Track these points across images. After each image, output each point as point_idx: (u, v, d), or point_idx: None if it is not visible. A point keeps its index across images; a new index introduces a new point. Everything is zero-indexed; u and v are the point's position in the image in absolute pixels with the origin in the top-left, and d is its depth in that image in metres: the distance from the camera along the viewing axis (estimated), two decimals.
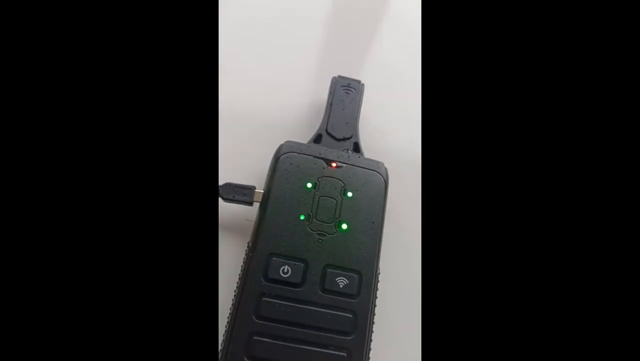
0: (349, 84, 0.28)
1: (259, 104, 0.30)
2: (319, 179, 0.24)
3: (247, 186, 0.24)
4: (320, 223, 0.22)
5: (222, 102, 0.29)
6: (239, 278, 0.21)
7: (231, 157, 0.27)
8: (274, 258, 0.21)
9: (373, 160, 0.25)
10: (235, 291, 0.21)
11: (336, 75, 0.29)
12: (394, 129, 0.30)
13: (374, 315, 0.22)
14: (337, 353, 0.20)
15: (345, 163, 0.24)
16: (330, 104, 0.27)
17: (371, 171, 0.24)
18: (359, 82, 0.28)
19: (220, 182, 0.24)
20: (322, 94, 0.29)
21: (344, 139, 0.26)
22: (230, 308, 0.21)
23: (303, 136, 0.27)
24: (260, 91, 0.30)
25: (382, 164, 0.25)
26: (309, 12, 0.35)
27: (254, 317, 0.20)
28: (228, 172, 0.26)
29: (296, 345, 0.20)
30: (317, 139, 0.26)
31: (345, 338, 0.20)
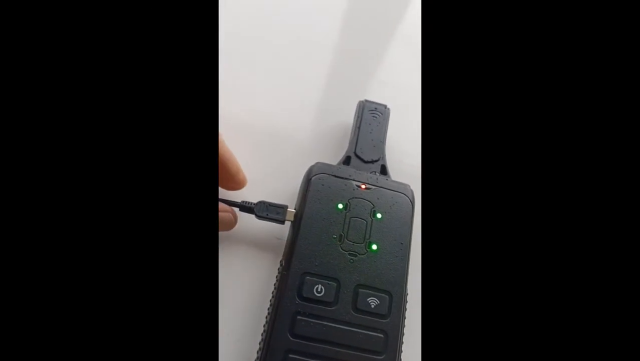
0: (375, 108, 0.29)
1: (287, 125, 0.31)
2: (350, 200, 0.24)
3: (281, 205, 0.24)
4: (351, 243, 0.23)
5: (252, 124, 0.30)
6: (272, 296, 0.22)
7: (260, 176, 0.28)
8: (307, 277, 0.22)
9: (400, 182, 0.26)
10: (268, 308, 0.22)
11: (363, 99, 0.30)
12: (417, 150, 0.31)
13: (403, 334, 0.22)
14: None
15: (374, 185, 0.25)
16: (357, 127, 0.28)
17: (399, 193, 0.25)
18: (385, 106, 0.29)
19: (254, 200, 0.24)
20: (345, 117, 0.30)
21: (372, 162, 0.27)
22: (264, 325, 0.21)
23: (328, 157, 0.28)
24: (287, 113, 0.31)
25: (409, 186, 0.26)
26: (329, 36, 0.36)
27: (289, 335, 0.20)
28: (256, 190, 0.26)
29: None
30: (346, 161, 0.27)
31: (377, 357, 0.21)
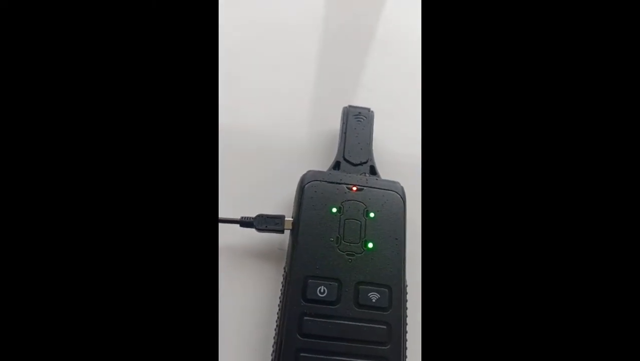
0: (359, 112, 0.31)
1: (276, 137, 0.32)
2: (343, 203, 0.26)
3: (278, 215, 0.26)
4: (348, 243, 0.24)
5: (242, 138, 0.31)
6: (280, 301, 0.23)
7: (255, 189, 0.29)
8: (310, 280, 0.23)
9: (390, 180, 0.27)
10: (277, 313, 0.23)
11: (346, 105, 0.31)
12: (406, 149, 0.32)
13: (407, 324, 0.23)
14: None
15: (364, 186, 0.26)
16: (344, 132, 0.30)
17: (389, 191, 0.27)
18: (368, 109, 0.31)
19: (252, 214, 0.26)
20: (333, 124, 0.32)
21: (361, 164, 0.28)
22: (275, 330, 0.23)
23: (320, 164, 0.29)
24: (275, 125, 0.33)
25: (399, 183, 0.27)
26: (311, 49, 0.38)
27: (298, 335, 0.22)
28: (254, 204, 0.28)
29: (339, 358, 0.21)
30: (336, 166, 0.28)
31: (383, 347, 0.22)
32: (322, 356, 0.21)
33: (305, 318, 0.22)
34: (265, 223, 0.25)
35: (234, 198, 0.28)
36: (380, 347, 0.22)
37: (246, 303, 0.25)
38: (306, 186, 0.26)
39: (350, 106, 0.31)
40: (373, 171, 0.28)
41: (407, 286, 0.24)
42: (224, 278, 0.25)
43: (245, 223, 0.26)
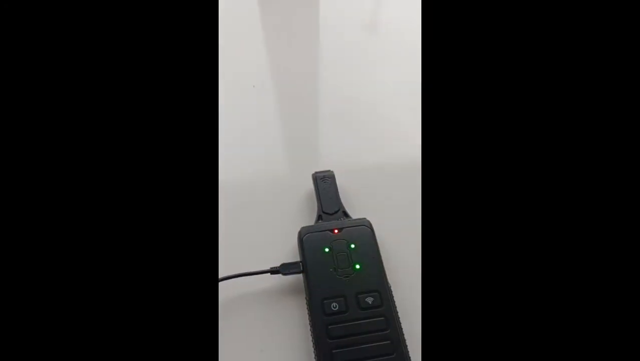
0: (324, 175, 0.42)
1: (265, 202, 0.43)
2: (331, 243, 0.37)
3: (296, 261, 0.36)
4: (342, 269, 0.35)
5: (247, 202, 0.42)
6: (309, 319, 0.33)
7: (265, 243, 0.39)
8: (325, 301, 0.33)
9: (359, 218, 0.39)
10: (310, 328, 0.33)
11: (313, 172, 0.43)
12: (366, 192, 0.44)
13: (397, 313, 0.34)
14: (384, 342, 0.32)
15: (342, 227, 0.38)
16: (318, 193, 0.41)
17: (360, 226, 0.38)
18: (330, 171, 0.42)
19: (264, 264, 0.36)
20: (305, 185, 0.43)
21: (335, 212, 0.40)
22: (312, 340, 0.33)
23: (304, 216, 0.40)
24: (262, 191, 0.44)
25: (365, 218, 0.38)
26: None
27: (328, 340, 0.32)
28: (268, 254, 0.38)
29: (359, 346, 0.32)
30: (319, 218, 0.39)
31: (385, 332, 0.33)
32: (347, 349, 0.31)
33: (330, 326, 0.32)
34: (288, 268, 0.36)
35: (246, 254, 0.38)
36: (384, 333, 0.33)
37: (285, 322, 0.35)
38: (304, 238, 0.37)
39: (316, 172, 0.42)
40: (346, 214, 0.40)
41: (390, 286, 0.35)
42: (269, 310, 0.35)
43: (274, 271, 0.36)
